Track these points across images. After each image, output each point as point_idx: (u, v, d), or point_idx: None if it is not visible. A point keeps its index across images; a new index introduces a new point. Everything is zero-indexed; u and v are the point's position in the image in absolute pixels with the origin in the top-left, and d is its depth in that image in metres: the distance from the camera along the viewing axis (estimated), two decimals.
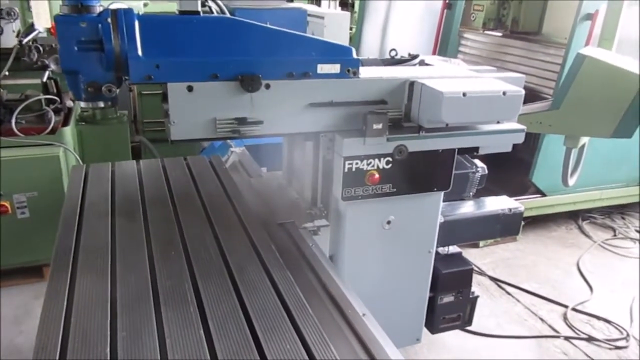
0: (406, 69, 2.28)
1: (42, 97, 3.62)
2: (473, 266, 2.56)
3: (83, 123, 4.02)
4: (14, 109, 3.53)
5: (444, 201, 2.34)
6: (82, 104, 1.80)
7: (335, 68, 1.95)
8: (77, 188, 2.26)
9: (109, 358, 1.25)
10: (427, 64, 2.45)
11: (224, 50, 1.80)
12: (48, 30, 4.02)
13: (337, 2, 11.21)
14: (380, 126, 1.96)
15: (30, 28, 3.94)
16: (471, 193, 2.51)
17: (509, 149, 2.31)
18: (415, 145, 2.06)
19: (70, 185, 2.31)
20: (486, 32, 5.21)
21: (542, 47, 4.64)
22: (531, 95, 4.21)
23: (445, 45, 5.15)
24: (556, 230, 5.01)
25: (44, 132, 3.49)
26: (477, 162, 2.52)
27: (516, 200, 4.70)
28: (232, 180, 2.29)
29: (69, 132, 3.60)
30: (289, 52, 1.88)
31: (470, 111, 1.97)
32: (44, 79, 3.76)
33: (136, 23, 1.69)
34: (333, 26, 6.01)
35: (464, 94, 1.92)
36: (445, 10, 5.07)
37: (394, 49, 2.52)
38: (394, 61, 2.45)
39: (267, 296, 1.52)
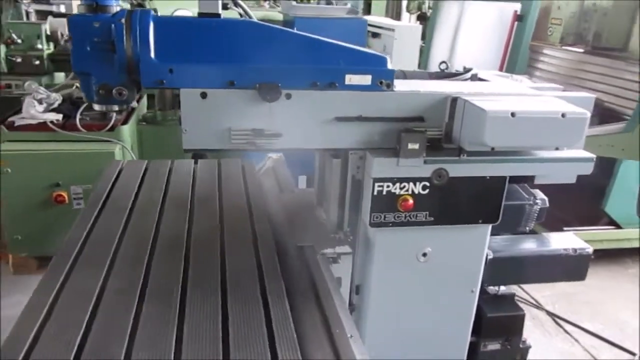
0: (452, 83, 1.94)
1: None
2: (525, 312, 2.14)
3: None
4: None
5: (494, 234, 1.97)
6: (96, 107, 1.64)
7: (365, 79, 1.66)
8: (107, 182, 2.15)
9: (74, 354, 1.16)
10: (480, 79, 2.09)
11: (242, 55, 1.57)
12: None
13: (416, 16, 10.83)
14: (416, 146, 1.65)
15: None
16: (527, 227, 2.11)
17: (572, 180, 1.90)
18: (458, 169, 1.72)
19: (102, 178, 2.20)
20: (564, 47, 4.66)
21: (628, 65, 4.03)
22: (611, 117, 3.66)
23: (514, 60, 4.65)
24: (632, 267, 4.34)
25: (104, 129, 3.49)
26: (538, 192, 2.11)
27: (587, 231, 4.19)
28: (260, 190, 2.07)
29: (127, 130, 3.58)
30: (314, 59, 1.62)
31: (519, 134, 1.60)
32: None
33: (151, 25, 1.51)
34: (404, 39, 5.70)
35: (513, 114, 1.56)
36: (515, 23, 4.57)
37: (444, 62, 2.19)
38: (443, 75, 2.11)
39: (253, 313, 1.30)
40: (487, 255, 2.04)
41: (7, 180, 3.27)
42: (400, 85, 1.74)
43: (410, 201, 1.71)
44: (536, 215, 2.04)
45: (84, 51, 1.52)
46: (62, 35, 4.92)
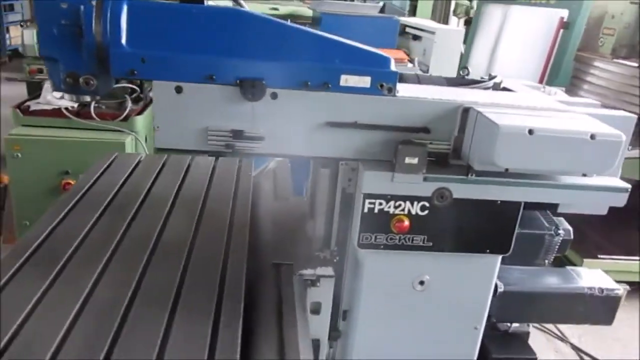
0: (468, 92, 1.70)
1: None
2: (536, 356, 1.88)
3: None
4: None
5: (507, 264, 1.73)
6: (66, 97, 1.50)
7: (364, 81, 1.45)
8: (93, 175, 2.01)
9: None
10: (505, 89, 1.84)
11: (223, 47, 1.39)
12: None
13: (463, 20, 10.41)
14: (415, 160, 1.43)
15: None
16: (547, 260, 1.84)
17: (602, 211, 1.63)
18: (464, 190, 1.49)
19: (92, 170, 2.07)
20: (616, 60, 4.27)
21: None
22: None
23: (556, 71, 4.29)
24: None
25: (117, 118, 3.41)
26: (562, 221, 1.84)
27: (625, 260, 3.80)
28: (247, 195, 1.89)
29: (141, 121, 3.48)
30: (305, 56, 1.42)
31: (538, 155, 1.36)
32: None
33: (124, 8, 1.35)
34: (444, 43, 5.41)
35: (531, 132, 1.32)
36: (561, 30, 4.21)
37: (465, 67, 1.95)
38: (462, 81, 1.87)
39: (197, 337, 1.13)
40: (497, 287, 1.80)
41: (17, 164, 3.23)
42: (405, 90, 1.52)
43: (406, 222, 1.50)
44: (557, 247, 1.77)
45: (50, 35, 1.37)
46: None
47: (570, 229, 1.80)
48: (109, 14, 1.34)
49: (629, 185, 1.53)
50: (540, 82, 4.29)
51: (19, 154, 3.21)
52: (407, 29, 5.96)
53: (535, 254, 1.78)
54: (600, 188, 1.53)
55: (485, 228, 1.55)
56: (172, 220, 1.67)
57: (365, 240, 1.52)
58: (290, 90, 1.43)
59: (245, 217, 1.69)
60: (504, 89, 1.88)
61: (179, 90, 1.40)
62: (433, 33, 5.46)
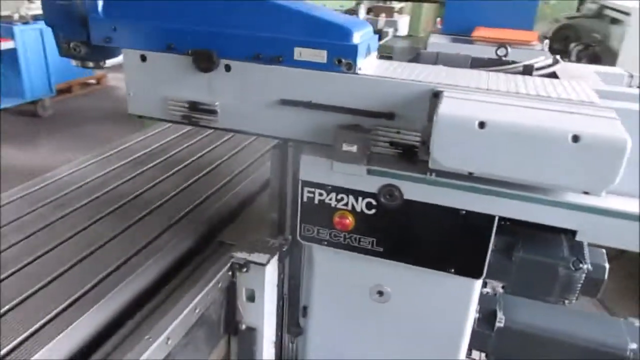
0: (463, 74, 1.35)
1: None
2: None
3: None
4: None
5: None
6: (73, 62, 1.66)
7: (320, 55, 1.28)
8: None
9: None
10: (548, 75, 1.43)
11: (181, 16, 1.38)
12: None
13: None
14: (353, 149, 1.22)
15: None
16: (566, 300, 1.40)
17: (633, 247, 1.18)
18: (417, 191, 1.22)
19: None
20: None
21: None
22: None
23: None
24: None
25: None
26: (599, 253, 1.39)
27: None
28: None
29: None
30: (257, 25, 1.31)
31: (497, 158, 1.03)
32: None
33: None
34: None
35: (482, 124, 1.01)
36: None
37: (503, 46, 1.58)
38: (487, 63, 1.51)
39: None
40: (496, 321, 1.46)
41: None
42: (371, 67, 1.31)
43: (349, 219, 1.29)
44: (579, 285, 1.34)
45: (53, 4, 1.53)
46: None
47: (606, 265, 1.35)
48: None
49: None
50: None
51: None
52: (605, 11, 5.14)
53: (547, 289, 1.37)
54: (617, 214, 1.10)
55: (447, 242, 1.25)
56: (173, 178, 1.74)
57: (307, 232, 1.36)
58: (243, 63, 1.35)
59: (223, 191, 1.67)
60: (552, 74, 1.48)
61: (143, 58, 1.44)
62: (628, 14, 4.59)
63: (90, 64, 1.65)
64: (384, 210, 1.26)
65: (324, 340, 1.53)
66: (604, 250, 1.40)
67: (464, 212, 1.20)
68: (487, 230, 1.20)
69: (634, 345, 1.37)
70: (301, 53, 1.30)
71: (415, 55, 1.65)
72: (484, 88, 1.19)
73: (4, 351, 1.03)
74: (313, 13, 1.30)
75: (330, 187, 1.29)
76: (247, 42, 1.33)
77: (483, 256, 1.23)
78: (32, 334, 1.09)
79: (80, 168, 1.92)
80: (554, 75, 1.48)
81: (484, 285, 1.56)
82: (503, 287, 1.45)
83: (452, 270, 1.27)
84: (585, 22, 5.68)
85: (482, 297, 1.52)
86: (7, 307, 1.18)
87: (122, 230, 1.52)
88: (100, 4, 1.44)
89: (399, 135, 1.27)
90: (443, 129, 1.05)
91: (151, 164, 1.96)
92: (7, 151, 5.64)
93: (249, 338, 1.46)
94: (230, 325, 1.46)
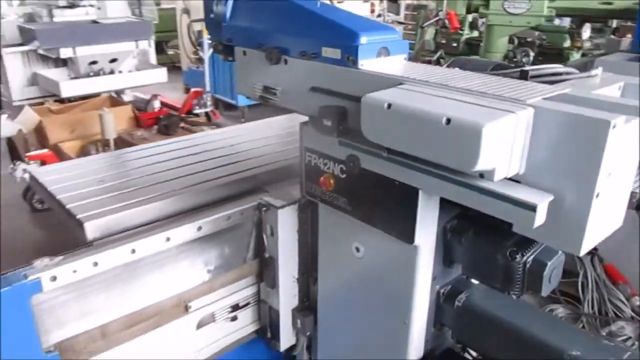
0: (444, 73, 1.50)
1: None
2: None
3: None
4: None
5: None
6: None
7: (336, 53, 1.67)
8: None
9: None
10: (553, 81, 1.45)
11: (267, 23, 1.93)
12: None
13: None
14: (329, 123, 1.57)
15: None
16: (512, 292, 1.38)
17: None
18: (369, 162, 1.50)
19: None
20: None
21: None
22: None
23: None
24: None
25: None
26: (554, 254, 1.36)
27: None
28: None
29: None
30: (305, 31, 1.77)
31: (396, 133, 1.28)
32: None
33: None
34: None
35: (389, 106, 1.27)
36: None
37: (524, 50, 1.63)
38: (500, 67, 1.60)
39: None
40: (456, 300, 1.59)
41: None
42: (378, 65, 1.62)
43: (330, 181, 1.64)
44: (518, 276, 1.37)
45: (209, 19, 2.28)
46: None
47: (547, 263, 1.34)
48: (222, 3, 2.13)
49: (535, 203, 1.12)
50: None
51: None
52: None
53: (489, 275, 1.45)
54: (503, 197, 1.19)
55: (388, 208, 1.48)
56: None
57: (309, 190, 1.75)
58: (294, 59, 1.83)
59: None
60: (552, 80, 1.50)
61: (244, 53, 2.05)
62: None
63: (230, 58, 2.36)
64: (349, 175, 1.57)
65: (324, 287, 1.88)
66: (562, 253, 1.37)
67: (397, 182, 1.42)
68: (413, 199, 1.40)
69: (574, 352, 1.31)
70: (326, 51, 1.71)
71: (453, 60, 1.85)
72: (434, 82, 1.40)
73: None
74: (334, 19, 1.69)
75: (320, 153, 1.67)
76: (298, 44, 1.79)
77: (412, 223, 1.42)
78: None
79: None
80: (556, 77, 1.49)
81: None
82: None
83: (393, 233, 1.50)
84: None
85: (457, 279, 1.65)
86: None
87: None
88: (228, 14, 2.12)
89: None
90: (365, 108, 1.34)
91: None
92: None
93: (270, 265, 1.93)
94: (259, 252, 1.96)
